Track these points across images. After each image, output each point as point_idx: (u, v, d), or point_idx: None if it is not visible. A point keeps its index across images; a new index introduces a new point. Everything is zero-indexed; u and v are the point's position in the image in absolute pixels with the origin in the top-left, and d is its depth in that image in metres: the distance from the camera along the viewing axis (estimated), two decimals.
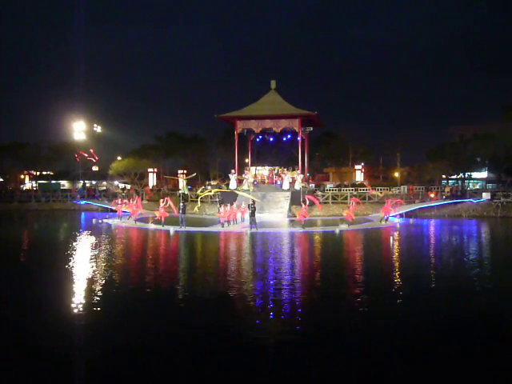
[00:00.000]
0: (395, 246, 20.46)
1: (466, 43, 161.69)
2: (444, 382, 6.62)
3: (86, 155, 57.07)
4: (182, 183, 36.03)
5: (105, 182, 68.61)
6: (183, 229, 25.51)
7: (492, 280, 12.94)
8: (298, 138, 41.67)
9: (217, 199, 35.91)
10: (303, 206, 27.45)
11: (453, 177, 56.14)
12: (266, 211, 33.66)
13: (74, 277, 12.94)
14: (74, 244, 20.02)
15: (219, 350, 7.66)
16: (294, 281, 12.59)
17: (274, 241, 21.48)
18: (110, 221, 31.02)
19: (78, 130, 58.40)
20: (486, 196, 38.13)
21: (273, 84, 43.28)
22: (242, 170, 43.14)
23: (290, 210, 34.34)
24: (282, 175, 40.10)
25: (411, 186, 44.79)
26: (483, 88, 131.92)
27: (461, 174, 55.88)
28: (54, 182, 67.57)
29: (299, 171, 40.14)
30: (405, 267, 14.83)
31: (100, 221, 31.64)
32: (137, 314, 9.74)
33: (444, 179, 55.32)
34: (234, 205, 29.26)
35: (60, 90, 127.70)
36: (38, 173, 67.81)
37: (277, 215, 33.95)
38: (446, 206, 37.11)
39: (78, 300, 10.41)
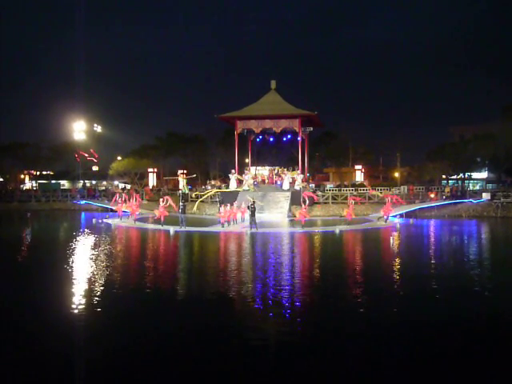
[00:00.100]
0: (395, 246, 20.46)
1: (465, 43, 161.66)
2: (444, 382, 6.62)
3: (87, 155, 57.08)
4: (181, 183, 35.99)
5: (105, 182, 68.62)
6: (183, 229, 25.51)
7: (492, 280, 12.94)
8: (298, 138, 41.67)
9: (217, 199, 35.93)
10: (303, 206, 27.45)
11: (453, 177, 56.12)
12: (265, 211, 33.66)
13: (73, 277, 12.93)
14: (74, 244, 20.01)
15: (219, 350, 7.66)
16: (294, 281, 12.59)
17: (274, 241, 21.48)
18: (109, 221, 31.03)
19: (78, 129, 58.38)
20: (486, 196, 38.12)
21: (273, 84, 43.29)
22: (242, 170, 43.13)
23: (290, 210, 34.34)
24: (282, 175, 40.10)
25: (411, 186, 44.77)
26: (483, 88, 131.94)
27: (461, 175, 55.87)
28: (54, 181, 67.57)
29: (299, 171, 40.13)
30: (405, 267, 14.82)
31: (100, 221, 31.64)
32: (137, 314, 9.74)
33: (444, 179, 55.30)
34: (234, 205, 29.26)
35: (60, 89, 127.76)
36: (38, 173, 67.79)
37: (277, 215, 33.95)
38: (446, 206, 37.10)
39: (77, 300, 10.41)
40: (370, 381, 6.63)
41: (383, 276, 13.32)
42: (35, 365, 7.13)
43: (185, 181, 36.39)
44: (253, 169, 43.91)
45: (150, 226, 27.54)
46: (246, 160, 47.12)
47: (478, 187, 54.72)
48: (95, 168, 67.77)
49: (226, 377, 6.73)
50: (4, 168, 62.58)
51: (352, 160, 59.12)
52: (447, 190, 41.72)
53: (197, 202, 34.98)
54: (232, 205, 28.88)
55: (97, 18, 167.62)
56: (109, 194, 49.13)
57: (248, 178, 38.05)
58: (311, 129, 43.12)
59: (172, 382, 6.66)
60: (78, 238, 22.17)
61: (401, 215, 34.04)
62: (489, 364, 7.14)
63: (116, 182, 64.33)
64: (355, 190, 42.45)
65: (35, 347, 7.79)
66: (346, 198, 37.27)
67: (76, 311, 9.63)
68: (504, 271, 14.39)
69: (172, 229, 25.22)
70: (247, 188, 36.69)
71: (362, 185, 49.93)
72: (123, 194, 33.53)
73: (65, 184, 68.46)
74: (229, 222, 27.19)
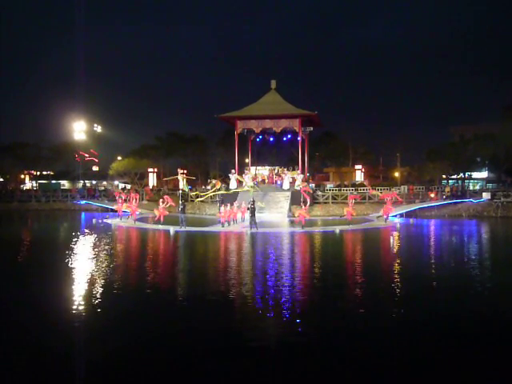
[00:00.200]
0: (395, 246, 20.45)
1: (465, 43, 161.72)
2: (444, 383, 6.62)
3: (87, 155, 57.11)
4: (181, 182, 35.99)
5: (105, 182, 68.62)
6: (183, 229, 25.51)
7: (492, 280, 12.94)
8: (298, 138, 41.67)
9: (217, 199, 35.93)
10: (303, 206, 27.46)
11: (453, 177, 56.13)
12: (266, 211, 33.66)
13: (73, 277, 12.93)
14: (74, 244, 20.01)
15: (219, 350, 7.66)
16: (295, 281, 12.58)
17: (274, 241, 21.48)
18: (109, 221, 31.04)
19: (78, 129, 58.36)
20: (486, 196, 38.14)
21: (273, 84, 43.30)
22: (242, 170, 43.14)
23: (290, 209, 34.34)
24: (282, 175, 40.11)
25: (411, 186, 44.79)
26: (483, 88, 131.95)
27: (461, 174, 55.87)
28: (54, 181, 67.58)
29: (299, 171, 40.13)
30: (405, 267, 14.81)
31: (100, 221, 31.65)
32: (137, 314, 9.74)
33: (444, 179, 55.31)
34: (234, 205, 29.27)
35: (60, 89, 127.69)
36: (38, 173, 67.81)
37: (277, 215, 33.96)
38: (446, 205, 37.11)
39: (77, 300, 10.40)
40: (371, 381, 6.63)
41: (383, 276, 13.31)
42: (35, 365, 7.13)
43: (184, 180, 36.39)
44: (253, 169, 43.92)
45: (150, 226, 27.53)
46: (246, 160, 47.12)
47: (478, 187, 54.70)
48: (95, 168, 67.80)
49: (226, 377, 6.73)
50: (4, 168, 62.58)
51: (352, 160, 59.13)
52: (447, 189, 41.73)
53: (201, 198, 35.56)
54: (232, 205, 28.89)
55: (97, 17, 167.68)
56: (109, 195, 49.17)
57: (248, 180, 38.03)
58: (311, 129, 43.13)
59: (172, 382, 6.67)
60: (77, 238, 22.16)
61: (401, 215, 34.06)
62: (489, 364, 7.13)
63: (116, 182, 64.33)
64: (355, 190, 42.47)
65: (35, 347, 7.79)
66: (346, 198, 37.31)
67: (76, 311, 9.62)
68: (504, 271, 14.39)
69: (172, 229, 25.23)
70: (247, 189, 36.68)
71: (362, 185, 49.95)
72: (122, 195, 33.57)
73: (65, 184, 68.45)
74: (229, 221, 27.20)
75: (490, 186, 52.94)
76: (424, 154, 56.32)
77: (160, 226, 26.56)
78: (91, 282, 12.20)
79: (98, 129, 62.83)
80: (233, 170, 40.67)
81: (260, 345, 7.81)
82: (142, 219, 31.18)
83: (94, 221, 32.20)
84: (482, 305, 10.31)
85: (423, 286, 11.95)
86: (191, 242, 22.17)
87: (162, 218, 27.09)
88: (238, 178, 39.14)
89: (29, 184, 68.72)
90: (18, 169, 64.73)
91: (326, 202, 38.51)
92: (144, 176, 59.49)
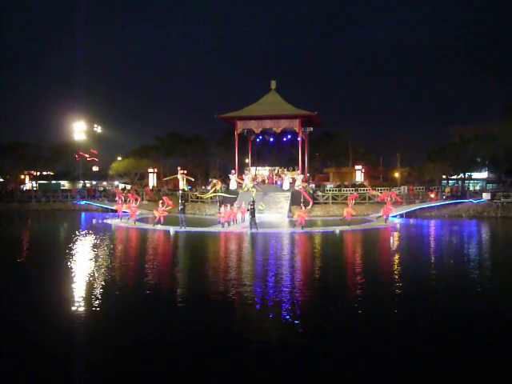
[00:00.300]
0: (395, 247, 20.44)
1: (465, 43, 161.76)
2: (444, 383, 6.61)
3: (87, 156, 57.13)
4: (181, 182, 35.97)
5: (105, 183, 68.63)
6: (183, 229, 25.51)
7: (492, 280, 12.94)
8: (298, 139, 41.66)
9: (217, 199, 35.92)
10: (303, 207, 27.44)
11: (453, 177, 56.12)
12: (266, 211, 33.64)
13: (73, 277, 12.93)
14: (74, 244, 20.00)
15: (219, 350, 7.65)
16: (295, 282, 12.58)
17: (274, 241, 21.47)
18: (109, 221, 31.04)
19: (78, 130, 58.36)
20: (486, 196, 38.12)
21: (273, 84, 43.28)
22: (242, 170, 43.13)
23: (290, 210, 34.33)
24: (282, 175, 40.08)
25: (411, 187, 44.78)
26: (483, 88, 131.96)
27: (461, 175, 55.88)
28: (54, 182, 67.56)
29: (299, 171, 40.11)
30: (405, 268, 14.82)
31: (100, 221, 31.65)
32: (137, 315, 9.74)
33: (444, 179, 55.30)
34: (234, 205, 29.26)
35: (60, 89, 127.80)
36: (38, 173, 67.80)
37: (277, 215, 33.95)
38: (447, 206, 37.09)
39: (77, 301, 10.40)
40: (371, 381, 6.63)
41: (383, 277, 13.31)
42: (35, 365, 7.13)
43: (185, 180, 36.37)
44: (253, 169, 43.88)
45: (150, 227, 27.52)
46: (246, 160, 47.11)
47: (478, 187, 54.72)
48: (95, 168, 67.79)
49: (226, 377, 6.73)
50: (4, 168, 62.57)
51: (352, 160, 59.13)
52: (447, 190, 41.72)
53: (208, 195, 35.96)
54: (232, 205, 28.88)
55: (97, 17, 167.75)
56: (109, 195, 49.18)
57: (247, 182, 37.99)
58: (311, 129, 43.13)
59: (172, 383, 6.66)
60: (77, 239, 22.16)
61: (401, 215, 34.04)
62: (489, 365, 7.13)
63: (116, 183, 64.34)
64: (355, 191, 42.45)
65: (35, 347, 7.78)
66: (346, 199, 37.30)
67: (75, 312, 9.62)
68: (504, 271, 14.38)
69: (172, 229, 25.23)
70: (246, 189, 36.66)
71: (362, 185, 49.94)
72: (122, 195, 33.58)
73: (65, 184, 68.44)
74: (229, 222, 27.19)
75: (490, 186, 52.96)
76: (424, 154, 56.36)
77: (160, 227, 26.55)
78: (91, 283, 12.19)
79: (98, 129, 62.84)
80: (233, 171, 40.65)
81: (260, 345, 7.81)
82: (142, 220, 31.18)
83: (93, 221, 32.19)
84: (482, 305, 10.31)
85: (423, 287, 11.95)
86: (191, 243, 22.16)
87: (162, 219, 27.09)
88: (238, 180, 39.06)
89: (29, 184, 68.72)
90: (17, 169, 64.72)
91: (325, 203, 38.49)
92: (144, 176, 59.52)
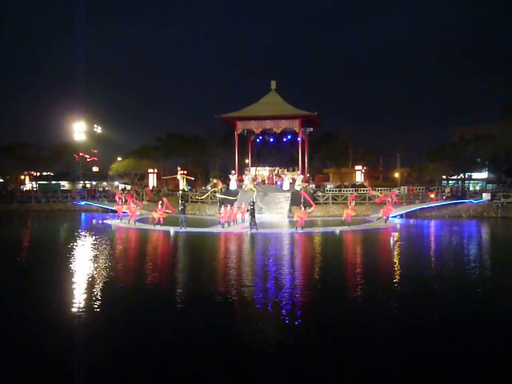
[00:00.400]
0: (395, 247, 20.44)
1: (465, 43, 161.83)
2: (444, 383, 6.63)
3: (88, 156, 57.11)
4: (181, 182, 35.98)
5: (105, 183, 68.61)
6: (183, 229, 25.51)
7: (492, 281, 12.94)
8: (298, 139, 41.67)
9: (217, 200, 35.92)
10: (302, 208, 27.47)
11: (453, 177, 56.13)
12: (266, 212, 33.64)
13: (73, 278, 12.92)
14: (74, 245, 20.00)
15: (219, 351, 7.65)
16: (295, 282, 12.58)
17: (274, 241, 21.47)
18: (109, 221, 31.03)
19: (78, 130, 58.37)
20: (486, 196, 38.12)
21: (273, 84, 43.30)
22: (242, 170, 43.13)
23: (290, 210, 34.33)
24: (282, 176, 40.09)
25: (411, 187, 44.77)
26: (483, 88, 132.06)
27: (461, 175, 55.87)
28: (54, 182, 67.55)
29: (299, 172, 40.13)
30: (405, 268, 14.82)
31: (100, 221, 31.65)
32: (136, 315, 9.74)
33: (444, 180, 55.30)
34: (234, 205, 29.26)
35: (60, 90, 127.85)
36: (38, 173, 67.80)
37: (277, 216, 33.95)
38: (447, 206, 37.09)
39: (77, 301, 10.40)
40: (371, 382, 6.62)
41: (383, 277, 13.31)
42: (35, 365, 7.13)
43: (184, 180, 36.37)
44: (253, 169, 43.90)
45: (150, 227, 27.51)
46: (246, 160, 47.11)
47: (478, 187, 54.71)
48: (95, 169, 67.79)
49: (226, 378, 6.72)
50: (4, 169, 62.54)
51: (352, 160, 59.11)
52: (447, 190, 41.73)
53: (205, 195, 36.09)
54: (232, 205, 28.88)
55: (97, 17, 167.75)
56: (109, 195, 49.17)
57: (247, 182, 37.97)
58: (311, 129, 43.14)
59: (172, 383, 6.67)
60: (77, 239, 22.17)
61: (401, 215, 34.05)
62: (489, 365, 7.13)
63: (116, 183, 64.33)
64: (355, 191, 42.46)
65: (35, 347, 7.78)
66: (346, 199, 37.30)
67: (75, 312, 9.62)
68: (504, 272, 14.38)
69: (172, 229, 25.23)
70: (246, 190, 36.65)
71: (362, 185, 49.94)
72: (121, 196, 33.56)
73: (65, 185, 68.44)
74: (229, 222, 27.19)
75: (490, 186, 52.95)
76: (424, 154, 56.34)
77: (160, 227, 26.54)
78: (90, 283, 12.19)
79: (98, 129, 62.85)
80: (233, 171, 40.66)
81: (260, 345, 7.80)
82: (142, 220, 31.17)
83: (93, 221, 32.19)
84: (483, 305, 10.30)
85: (423, 287, 11.94)
86: (191, 243, 22.16)
87: (161, 220, 27.09)
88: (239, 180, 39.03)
89: (29, 185, 68.71)
90: (17, 169, 64.70)
91: (326, 203, 38.50)
92: (144, 177, 59.48)
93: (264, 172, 44.74)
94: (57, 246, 21.27)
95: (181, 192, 34.17)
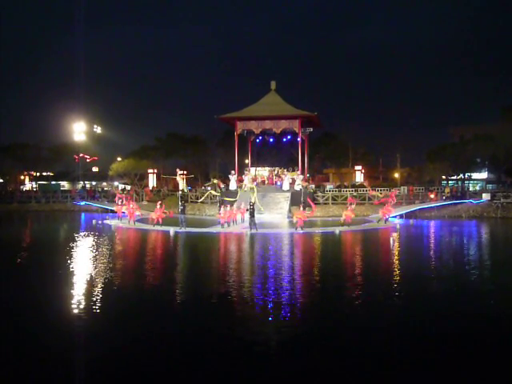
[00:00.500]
0: (395, 247, 20.44)
1: (465, 43, 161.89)
2: (444, 383, 6.63)
3: (88, 157, 57.09)
4: (181, 183, 35.96)
5: (105, 183, 68.62)
6: (183, 230, 25.52)
7: (493, 281, 12.94)
8: (298, 139, 41.68)
9: (217, 200, 35.92)
10: (301, 208, 27.47)
11: (453, 177, 56.14)
12: (265, 212, 33.65)
13: (73, 278, 12.92)
14: (73, 245, 20.00)
15: (219, 351, 7.65)
16: (294, 282, 12.58)
17: (274, 242, 21.47)
18: (109, 222, 31.04)
19: (78, 130, 58.39)
20: (485, 197, 38.14)
21: (273, 85, 43.32)
22: (241, 170, 43.14)
23: (289, 210, 34.33)
24: (282, 176, 40.11)
25: (411, 187, 44.78)
26: (483, 88, 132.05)
27: (461, 175, 55.88)
28: (54, 182, 67.59)
29: (299, 172, 40.14)
30: (405, 268, 14.82)
31: (100, 222, 31.65)
32: (136, 315, 9.73)
33: (444, 180, 55.31)
34: (234, 205, 29.27)
35: (60, 90, 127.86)
36: (38, 174, 67.82)
37: (277, 216, 33.95)
38: (446, 206, 37.10)
39: (77, 301, 10.40)
40: (371, 382, 6.63)
41: (383, 277, 13.30)
42: (35, 365, 7.13)
43: (184, 181, 36.35)
44: (253, 169, 43.93)
45: (150, 227, 27.52)
46: (246, 161, 47.13)
47: (477, 188, 54.73)
48: (95, 169, 67.81)
49: (226, 378, 6.72)
50: (4, 169, 62.58)
51: (352, 161, 59.12)
52: (447, 190, 41.74)
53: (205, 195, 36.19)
54: (232, 206, 28.88)
55: (97, 18, 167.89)
56: (109, 195, 49.18)
57: (247, 182, 37.95)
58: (311, 129, 43.16)
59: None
60: (77, 239, 22.17)
61: (401, 216, 34.05)
62: (489, 365, 7.13)
63: (116, 183, 64.34)
64: (355, 191, 42.47)
65: (35, 347, 7.78)
66: (345, 199, 37.30)
67: (75, 312, 9.62)
68: (505, 272, 14.37)
69: (172, 230, 25.24)
70: (246, 190, 36.64)
71: (361, 185, 49.96)
72: (121, 196, 33.56)
73: (65, 185, 68.48)
74: (228, 222, 27.19)
75: (489, 186, 52.97)
76: (424, 154, 56.36)
77: (159, 227, 26.53)
78: (90, 284, 12.18)
79: (98, 130, 62.87)
80: (233, 171, 40.66)
81: (260, 346, 7.80)
82: (141, 220, 31.17)
83: (93, 222, 32.19)
84: (483, 305, 10.30)
85: (423, 287, 11.95)
86: (191, 243, 22.16)
87: (160, 221, 27.11)
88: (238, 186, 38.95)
89: (28, 185, 68.75)
90: (17, 170, 64.75)
91: (325, 203, 38.51)
92: (144, 177, 59.52)
93: (264, 172, 44.77)
94: (56, 246, 21.26)
95: (180, 192, 34.15)
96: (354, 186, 49.62)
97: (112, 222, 30.50)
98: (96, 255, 17.20)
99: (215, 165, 60.69)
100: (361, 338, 8.27)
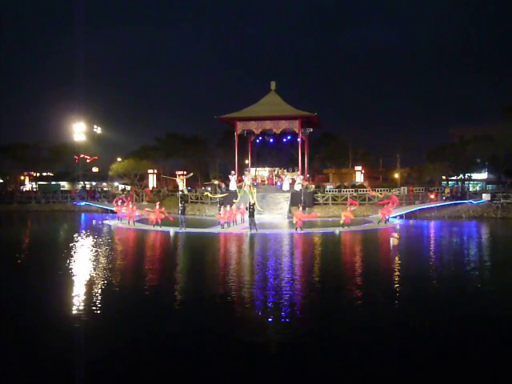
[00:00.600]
0: (395, 248, 20.43)
1: (465, 44, 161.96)
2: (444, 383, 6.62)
3: (88, 157, 57.07)
4: (181, 184, 35.95)
5: (104, 183, 68.60)
6: (183, 230, 25.51)
7: (493, 281, 12.93)
8: (298, 139, 41.68)
9: (217, 200, 35.90)
10: (300, 208, 27.43)
11: (453, 178, 56.13)
12: (265, 212, 33.64)
13: (73, 278, 12.92)
14: (73, 245, 20.00)
15: (219, 351, 7.65)
16: (294, 283, 12.57)
17: (274, 242, 21.46)
18: (109, 222, 31.03)
19: (78, 131, 58.38)
20: (485, 197, 38.14)
21: (273, 85, 43.33)
22: (241, 171, 43.13)
23: (289, 211, 34.32)
24: (282, 176, 40.11)
25: (411, 187, 44.78)
26: (483, 88, 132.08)
27: (461, 175, 55.87)
28: (53, 183, 67.58)
29: (299, 172, 40.14)
30: (405, 269, 14.81)
31: (100, 222, 31.64)
32: (136, 315, 9.73)
33: (444, 180, 55.30)
34: (234, 206, 29.25)
35: (60, 90, 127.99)
36: (38, 174, 67.82)
37: (277, 216, 33.94)
38: (446, 207, 37.10)
39: (77, 301, 10.40)
40: (371, 382, 6.62)
41: (383, 278, 13.31)
42: (35, 365, 7.12)
43: (184, 181, 36.33)
44: (253, 170, 43.91)
45: (150, 228, 27.51)
46: (246, 161, 47.12)
47: (477, 188, 54.73)
48: (95, 169, 67.79)
49: (226, 378, 6.72)
50: (4, 169, 62.58)
51: (352, 161, 59.13)
52: (447, 190, 41.74)
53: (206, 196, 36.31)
54: (232, 206, 28.87)
55: (97, 18, 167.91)
56: (109, 196, 49.18)
57: (247, 183, 37.89)
58: (311, 130, 43.15)
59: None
60: (77, 240, 22.16)
61: (401, 216, 34.04)
62: (489, 366, 7.13)
63: (116, 184, 64.34)
64: (355, 191, 42.46)
65: (35, 347, 7.78)
66: (345, 199, 37.28)
67: (75, 312, 9.62)
68: (505, 273, 14.38)
69: (172, 230, 25.23)
70: (246, 190, 36.62)
71: (361, 186, 49.95)
72: (121, 196, 33.56)
73: (65, 185, 68.47)
74: (228, 223, 27.19)
75: (489, 187, 52.98)
76: (424, 154, 56.36)
77: (159, 228, 26.53)
78: (90, 284, 12.18)
79: (98, 130, 62.86)
80: (233, 172, 40.65)
81: (260, 346, 7.80)
82: (141, 220, 31.16)
83: (93, 222, 32.17)
84: (483, 306, 10.30)
85: (423, 288, 11.94)
86: (191, 244, 22.16)
87: (159, 221, 27.11)
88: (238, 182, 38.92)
89: (28, 185, 68.73)
90: (17, 170, 64.74)
91: (325, 204, 38.51)
92: (144, 177, 59.52)
93: (264, 172, 44.77)
94: (56, 246, 21.26)
95: (180, 193, 34.15)
96: (354, 186, 49.61)
97: (112, 223, 30.49)
98: (96, 255, 17.20)
99: (215, 165, 60.70)
100: (361, 338, 8.27)
